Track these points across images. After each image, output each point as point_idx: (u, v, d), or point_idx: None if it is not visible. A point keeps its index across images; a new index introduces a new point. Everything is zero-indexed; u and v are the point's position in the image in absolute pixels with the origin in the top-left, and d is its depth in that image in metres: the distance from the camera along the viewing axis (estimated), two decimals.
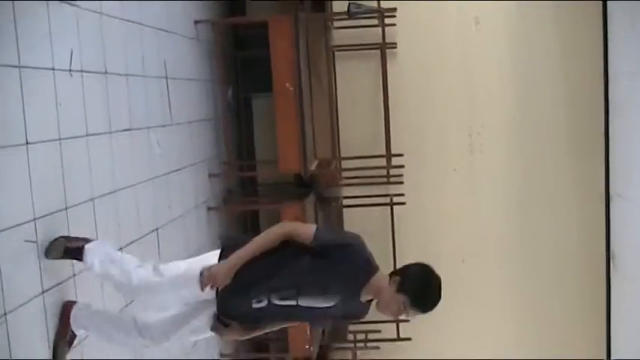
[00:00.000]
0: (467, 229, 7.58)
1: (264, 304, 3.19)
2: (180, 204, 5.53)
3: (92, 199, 3.96)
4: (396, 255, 7.26)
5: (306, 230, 3.22)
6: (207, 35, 6.42)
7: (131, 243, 4.46)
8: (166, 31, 5.43)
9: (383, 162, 7.14)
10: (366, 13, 6.87)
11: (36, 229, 3.31)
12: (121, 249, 4.12)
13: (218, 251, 3.31)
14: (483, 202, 7.58)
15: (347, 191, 7.57)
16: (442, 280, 3.22)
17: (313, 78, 6.87)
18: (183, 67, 5.83)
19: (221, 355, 6.41)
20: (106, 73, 4.24)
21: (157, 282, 3.32)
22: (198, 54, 6.26)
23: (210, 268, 3.14)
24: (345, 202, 7.54)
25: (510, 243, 7.59)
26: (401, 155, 7.11)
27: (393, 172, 7.23)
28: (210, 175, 6.32)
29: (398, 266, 3.44)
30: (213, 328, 3.30)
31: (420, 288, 3.18)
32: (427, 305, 3.19)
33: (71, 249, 3.44)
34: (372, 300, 3.31)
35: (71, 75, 3.76)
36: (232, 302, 3.23)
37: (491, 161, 7.55)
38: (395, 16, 7.17)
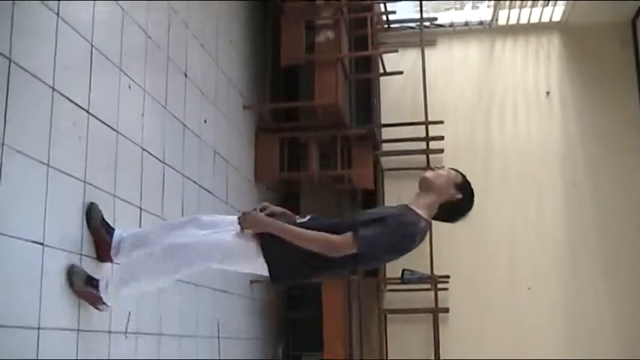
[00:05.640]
0: None
1: (306, 218, 3.29)
2: None
3: None
4: None
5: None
6: (261, 295, 6.52)
7: None
8: (222, 290, 5.54)
9: None
10: (420, 280, 6.95)
11: None
12: None
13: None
14: None
15: None
16: None
17: (364, 340, 6.83)
18: (236, 325, 5.86)
19: None
20: (160, 334, 4.29)
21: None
22: (252, 313, 6.31)
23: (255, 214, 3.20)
24: None
25: None
26: None
27: None
28: None
29: None
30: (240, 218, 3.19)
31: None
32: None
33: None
34: (426, 221, 3.26)
35: (126, 337, 3.81)
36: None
37: None
38: (448, 282, 7.24)
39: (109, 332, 3.67)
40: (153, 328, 4.23)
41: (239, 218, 3.19)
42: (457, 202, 3.32)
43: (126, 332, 3.81)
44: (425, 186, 3.32)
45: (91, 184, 3.53)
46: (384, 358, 7.24)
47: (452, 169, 3.40)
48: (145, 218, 4.16)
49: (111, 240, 3.50)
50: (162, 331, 4.33)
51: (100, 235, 3.48)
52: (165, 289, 4.27)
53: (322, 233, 3.08)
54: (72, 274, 3.30)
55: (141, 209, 4.12)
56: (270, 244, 3.13)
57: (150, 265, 3.24)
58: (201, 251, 3.18)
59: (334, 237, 3.06)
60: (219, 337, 5.38)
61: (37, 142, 3.11)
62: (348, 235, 3.05)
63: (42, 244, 3.08)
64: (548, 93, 7.96)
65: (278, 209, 3.38)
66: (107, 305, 3.41)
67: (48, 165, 3.16)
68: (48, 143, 3.18)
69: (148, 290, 3.66)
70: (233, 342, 5.71)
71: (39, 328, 3.04)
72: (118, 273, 3.40)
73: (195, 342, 4.94)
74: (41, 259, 3.08)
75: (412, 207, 3.25)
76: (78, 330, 3.36)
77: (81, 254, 3.43)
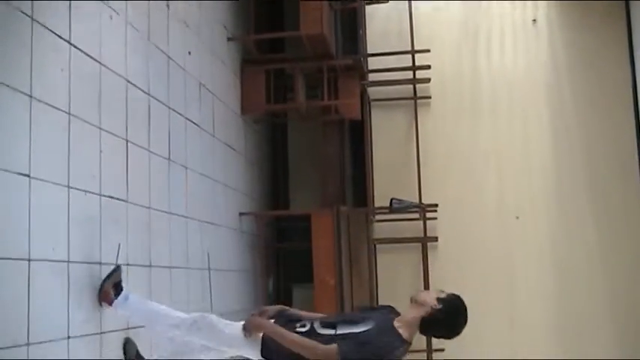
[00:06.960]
0: None
1: (306, 328, 3.44)
2: None
3: None
4: None
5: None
6: (250, 227, 6.55)
7: None
8: (211, 223, 5.56)
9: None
10: (408, 209, 6.98)
11: None
12: None
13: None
14: None
15: None
16: None
17: (354, 270, 6.90)
18: (226, 257, 5.90)
19: None
20: (150, 266, 4.32)
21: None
22: (241, 245, 6.36)
23: (258, 320, 3.53)
24: None
25: None
26: (442, 350, 6.97)
27: None
28: None
29: None
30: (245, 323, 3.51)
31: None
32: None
33: None
34: (405, 341, 3.32)
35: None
36: (279, 320, 3.54)
37: None
38: (436, 211, 7.28)
39: (100, 264, 3.69)
40: (143, 259, 4.26)
41: (244, 325, 3.50)
42: (436, 313, 3.30)
43: (116, 263, 3.82)
44: (412, 300, 3.40)
45: (75, 116, 3.51)
46: (374, 288, 7.33)
47: (452, 294, 3.42)
48: (132, 150, 4.15)
49: None
50: (153, 263, 4.36)
51: None
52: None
53: (311, 341, 3.33)
54: (112, 274, 3.71)
55: (127, 141, 4.11)
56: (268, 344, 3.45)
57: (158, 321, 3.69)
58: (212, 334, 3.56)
59: (320, 347, 3.29)
60: (209, 269, 5.43)
61: (18, 73, 3.07)
62: (332, 348, 3.25)
63: (28, 175, 3.07)
64: (534, 21, 7.89)
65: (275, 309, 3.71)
66: (114, 309, 3.70)
67: (31, 97, 3.13)
68: (30, 75, 3.14)
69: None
70: (222, 274, 5.76)
71: (29, 260, 3.06)
72: (135, 309, 3.73)
73: (186, 273, 4.98)
74: (28, 191, 3.08)
75: (396, 325, 3.32)
76: (68, 262, 3.39)
77: (68, 187, 3.42)
